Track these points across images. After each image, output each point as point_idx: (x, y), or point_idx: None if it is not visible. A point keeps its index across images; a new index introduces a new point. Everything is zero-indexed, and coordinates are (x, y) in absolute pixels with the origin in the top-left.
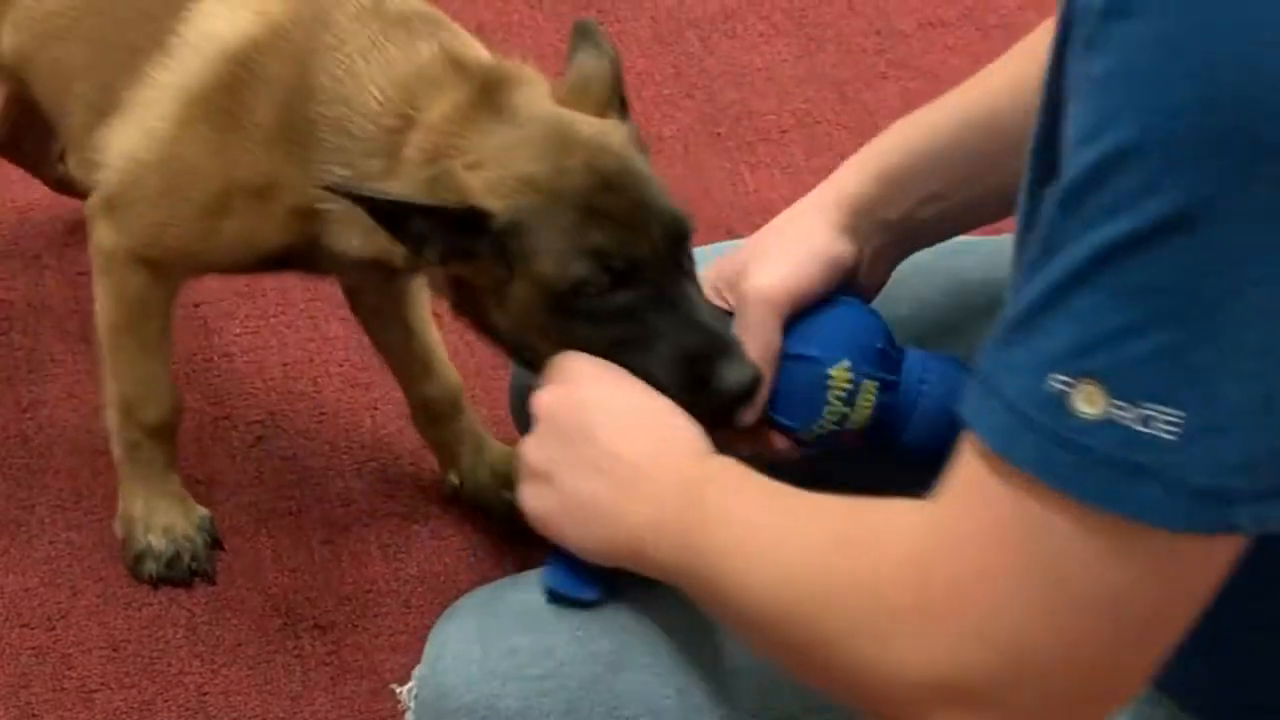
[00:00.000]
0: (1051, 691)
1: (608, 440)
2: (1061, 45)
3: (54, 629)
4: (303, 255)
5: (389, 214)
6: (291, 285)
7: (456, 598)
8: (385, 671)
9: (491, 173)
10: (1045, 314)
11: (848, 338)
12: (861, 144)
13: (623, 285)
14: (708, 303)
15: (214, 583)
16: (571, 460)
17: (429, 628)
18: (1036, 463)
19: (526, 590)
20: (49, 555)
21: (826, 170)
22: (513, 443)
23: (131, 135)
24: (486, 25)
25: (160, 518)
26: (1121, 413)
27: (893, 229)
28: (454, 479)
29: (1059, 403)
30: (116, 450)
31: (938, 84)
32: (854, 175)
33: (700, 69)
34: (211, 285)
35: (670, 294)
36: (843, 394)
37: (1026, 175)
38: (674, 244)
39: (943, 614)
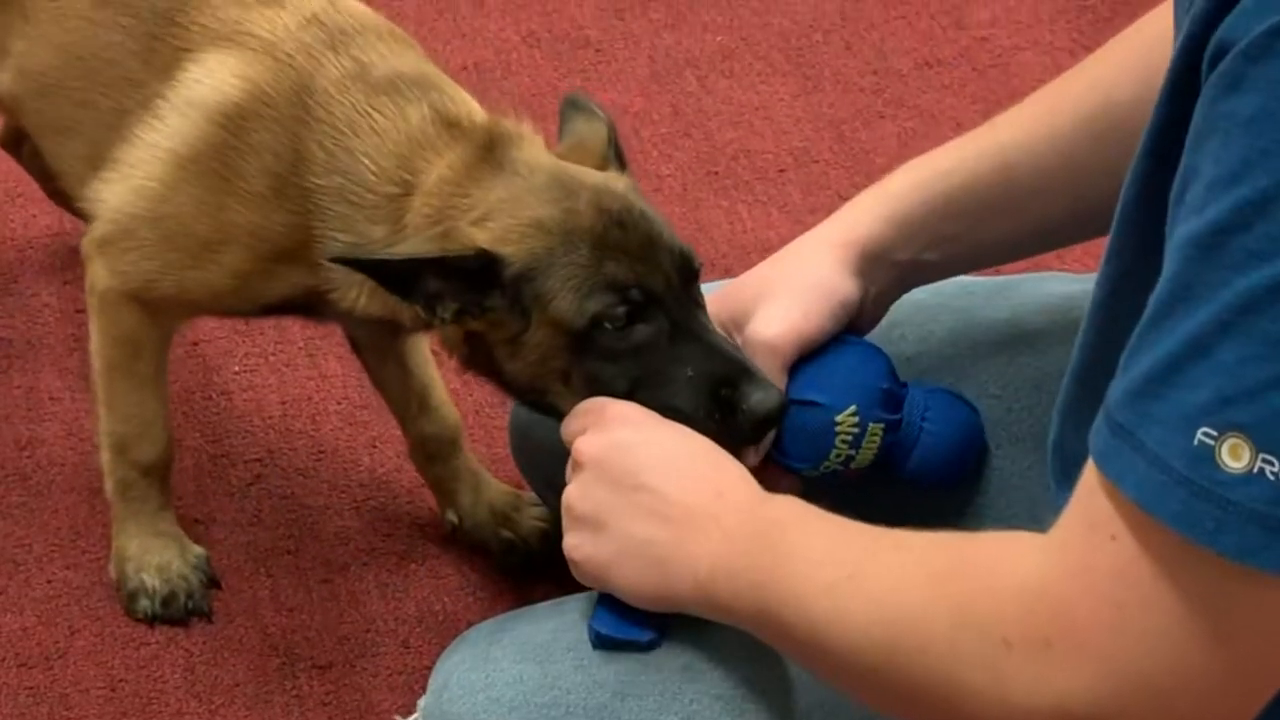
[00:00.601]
0: (1167, 718)
1: (660, 484)
2: (1183, 79)
3: (51, 668)
4: (305, 306)
5: (399, 277)
6: (290, 323)
7: (455, 637)
8: (384, 711)
9: (499, 223)
10: (1188, 364)
11: (854, 382)
12: (859, 183)
13: (640, 319)
14: (723, 331)
15: (211, 622)
16: (624, 506)
17: (428, 667)
18: (1181, 518)
19: (531, 622)
20: (47, 594)
21: (824, 209)
22: (512, 481)
23: (122, 192)
24: (484, 64)
25: (154, 557)
26: (1269, 466)
27: (899, 269)
28: (452, 517)
29: (1206, 456)
30: (109, 489)
31: (934, 123)
32: (865, 217)
33: (698, 108)
34: (210, 323)
35: (687, 325)
36: (849, 437)
37: (1130, 210)
38: (686, 277)
39: (1067, 644)
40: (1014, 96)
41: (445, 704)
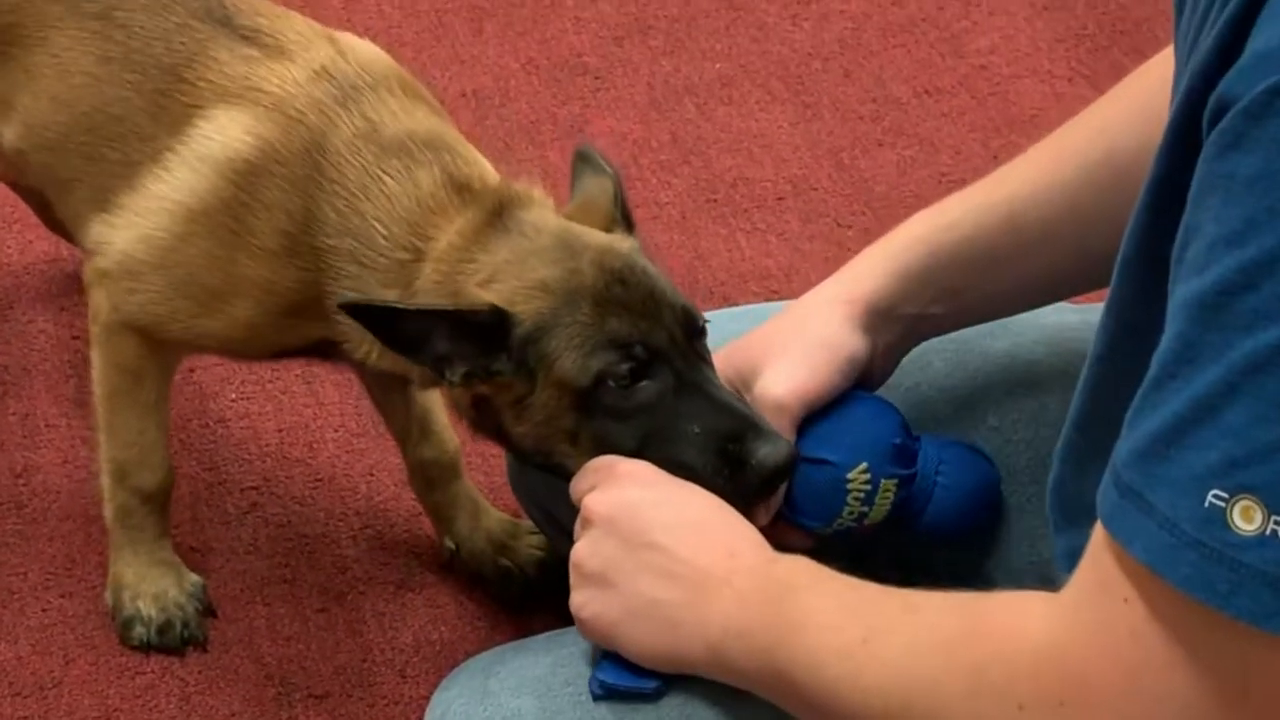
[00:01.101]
0: None
1: (671, 543)
2: (1183, 133)
3: (46, 698)
4: (316, 352)
5: (408, 332)
6: None
7: (452, 667)
8: None
9: (505, 285)
10: (1196, 426)
11: (864, 439)
12: (857, 211)
13: (645, 376)
14: (730, 388)
15: (207, 651)
16: (634, 565)
17: (425, 697)
18: (1193, 581)
19: (529, 655)
20: (42, 623)
21: (823, 237)
22: (511, 510)
23: (130, 238)
24: (483, 90)
25: (151, 585)
26: None
27: (907, 323)
28: (450, 544)
29: (1217, 519)
30: (108, 515)
31: (934, 151)
32: (871, 272)
33: (697, 136)
34: None
35: (692, 380)
36: (862, 494)
37: (1130, 262)
38: (690, 333)
39: (1081, 706)
40: (1013, 124)
41: None
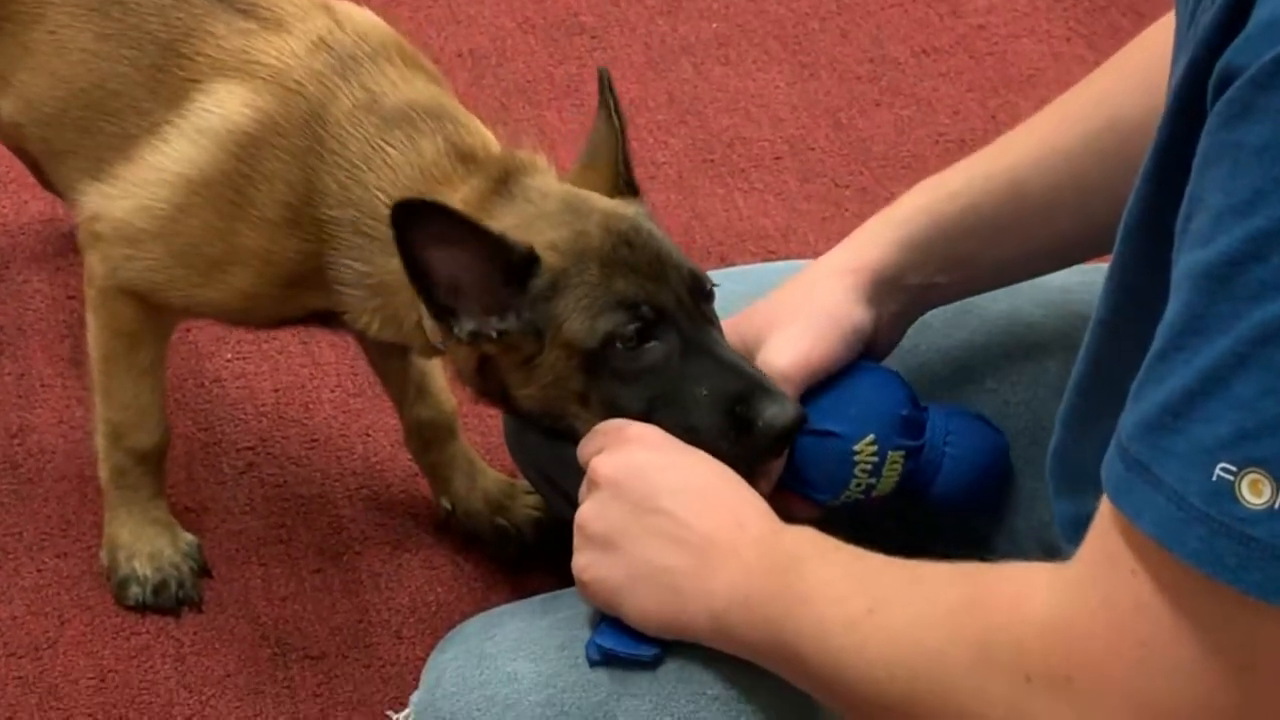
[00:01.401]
0: None
1: (679, 509)
2: (1186, 103)
3: (41, 658)
4: (316, 320)
5: (431, 264)
6: None
7: (449, 628)
8: (376, 703)
9: None
10: (1204, 398)
11: (871, 410)
12: (855, 170)
13: (651, 337)
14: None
15: (202, 611)
16: (640, 529)
17: (421, 658)
18: (1201, 555)
19: (526, 618)
20: (36, 583)
21: (820, 196)
22: (507, 471)
23: (129, 208)
24: (480, 50)
25: (146, 545)
26: None
27: (912, 293)
28: (446, 504)
29: (1225, 492)
30: (103, 476)
31: (931, 111)
32: (875, 242)
33: (694, 95)
34: None
35: (699, 342)
36: (869, 466)
37: (1133, 230)
38: (697, 295)
39: (1089, 679)
40: (1010, 84)
41: (439, 700)
